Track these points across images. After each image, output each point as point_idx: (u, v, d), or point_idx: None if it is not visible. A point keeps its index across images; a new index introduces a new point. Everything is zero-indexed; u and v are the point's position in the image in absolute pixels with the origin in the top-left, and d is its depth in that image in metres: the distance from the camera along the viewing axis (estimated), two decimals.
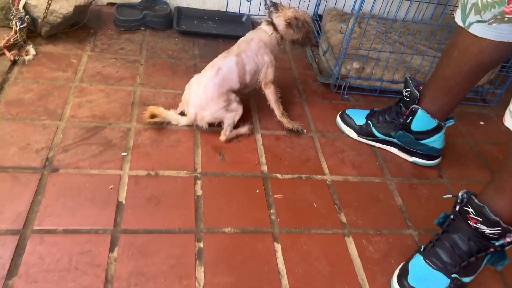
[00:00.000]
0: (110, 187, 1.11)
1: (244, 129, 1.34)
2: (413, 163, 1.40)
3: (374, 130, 1.40)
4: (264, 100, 1.39)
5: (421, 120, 1.30)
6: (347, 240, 1.12)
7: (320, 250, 1.08)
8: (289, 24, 1.32)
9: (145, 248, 0.99)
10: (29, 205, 1.03)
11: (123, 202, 1.08)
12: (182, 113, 1.33)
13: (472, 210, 0.98)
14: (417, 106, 1.28)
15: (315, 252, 1.07)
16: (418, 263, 1.02)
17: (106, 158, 1.18)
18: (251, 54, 1.31)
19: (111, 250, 0.98)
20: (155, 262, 0.97)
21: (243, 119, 1.34)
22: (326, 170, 1.31)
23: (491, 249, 1.00)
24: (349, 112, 1.46)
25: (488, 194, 1.00)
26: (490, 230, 0.97)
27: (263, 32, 1.34)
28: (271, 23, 1.34)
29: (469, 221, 0.99)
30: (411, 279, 0.99)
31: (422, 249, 1.05)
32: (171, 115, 1.30)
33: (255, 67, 1.32)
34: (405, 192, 1.29)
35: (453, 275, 0.99)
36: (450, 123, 1.33)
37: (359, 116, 1.44)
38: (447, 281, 0.99)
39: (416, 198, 1.28)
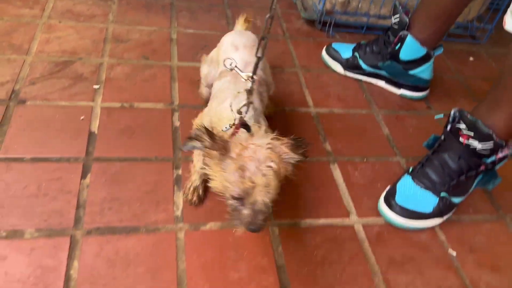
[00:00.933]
0: (81, 118, 1.04)
1: None
2: (400, 96, 1.35)
3: (361, 62, 1.34)
4: None
5: (410, 48, 1.24)
6: (331, 167, 1.08)
7: (303, 176, 1.03)
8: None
9: (120, 176, 0.94)
10: None
11: (95, 132, 1.02)
12: None
13: (464, 126, 0.94)
14: (406, 32, 1.22)
15: (299, 182, 1.02)
16: (406, 183, 0.99)
17: (76, 91, 1.11)
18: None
19: (83, 177, 0.92)
20: (130, 188, 0.92)
21: None
22: (311, 103, 1.25)
23: (482, 167, 0.96)
24: (335, 45, 1.40)
25: (482, 110, 0.95)
26: (482, 146, 0.93)
27: None
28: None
29: (460, 138, 0.95)
30: (398, 198, 0.96)
31: (410, 170, 1.01)
32: None
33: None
34: (392, 123, 1.25)
35: (442, 194, 0.96)
36: (439, 51, 1.28)
37: (346, 50, 1.38)
38: (435, 199, 0.96)
39: (403, 129, 1.24)
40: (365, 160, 1.11)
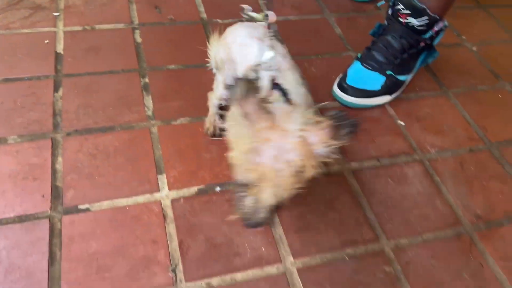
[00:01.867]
0: (46, 42, 1.09)
1: None
2: (352, 0, 1.42)
3: None
4: None
5: None
6: None
7: None
8: None
9: (90, 87, 1.00)
10: None
11: (62, 53, 1.07)
12: None
13: (402, 6, 1.02)
14: None
15: None
16: (355, 68, 1.08)
17: (37, 19, 1.14)
18: None
19: (56, 90, 0.98)
20: (102, 96, 0.98)
21: None
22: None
23: (422, 43, 1.06)
24: None
25: None
26: (419, 22, 1.02)
27: None
28: None
29: (400, 19, 1.04)
30: (349, 80, 1.05)
31: (359, 56, 1.10)
32: None
33: None
34: (344, 23, 1.33)
35: (387, 72, 1.06)
36: None
37: None
38: (382, 78, 1.06)
39: (354, 28, 1.32)
40: (320, 57, 1.19)
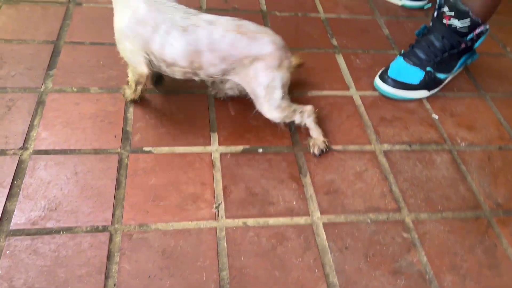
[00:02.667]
0: None
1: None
2: (402, 6, 1.51)
3: None
4: None
5: None
6: (336, 56, 1.27)
7: (312, 62, 1.22)
8: None
9: None
10: (60, 24, 1.19)
11: None
12: None
13: (447, 9, 1.11)
14: None
15: (307, 64, 1.21)
16: (398, 62, 1.17)
17: None
18: None
19: None
20: None
21: None
22: (321, 10, 1.43)
23: (463, 45, 1.13)
24: None
25: None
26: (461, 23, 1.10)
27: None
28: None
29: (444, 20, 1.12)
30: (390, 73, 1.14)
31: (402, 52, 1.19)
32: None
33: None
34: (393, 25, 1.42)
35: (427, 68, 1.14)
36: None
37: None
38: (422, 73, 1.14)
39: (402, 30, 1.41)
40: (366, 52, 1.29)
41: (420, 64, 1.14)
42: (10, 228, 0.78)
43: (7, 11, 1.21)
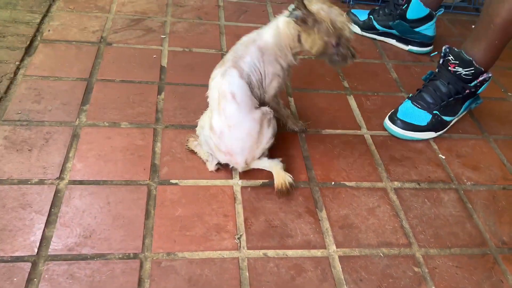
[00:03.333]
0: (154, 56, 1.36)
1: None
2: (409, 50, 1.61)
3: (375, 23, 1.61)
4: None
5: (415, 8, 1.51)
6: (348, 98, 1.35)
7: (325, 103, 1.31)
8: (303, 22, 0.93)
9: (186, 94, 1.24)
10: (91, 64, 1.29)
11: (165, 66, 1.33)
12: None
13: (452, 57, 1.20)
14: None
15: (320, 104, 1.30)
16: (406, 105, 1.25)
17: (148, 39, 1.43)
18: (252, 60, 0.99)
19: (159, 93, 1.23)
20: (194, 102, 1.22)
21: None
22: None
23: (467, 91, 1.22)
24: (354, 11, 1.68)
25: (466, 44, 1.21)
26: (465, 71, 1.19)
27: (273, 32, 0.99)
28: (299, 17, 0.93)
29: (449, 67, 1.21)
30: (399, 115, 1.22)
31: (410, 96, 1.27)
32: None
33: (259, 76, 1.01)
34: (400, 70, 1.51)
35: (434, 112, 1.22)
36: (440, 12, 1.53)
37: (363, 14, 1.65)
38: (429, 116, 1.22)
39: (409, 74, 1.50)
40: (375, 94, 1.38)
41: (427, 107, 1.22)
42: (49, 253, 0.84)
43: (44, 50, 1.31)
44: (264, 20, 1.63)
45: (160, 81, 1.28)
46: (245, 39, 1.03)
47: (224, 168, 1.05)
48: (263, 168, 1.05)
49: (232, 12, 1.65)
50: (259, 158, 1.03)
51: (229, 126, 0.97)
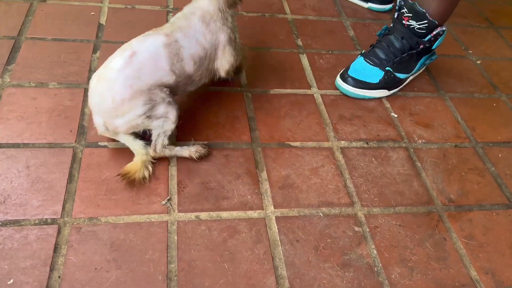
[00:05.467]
0: (91, 14, 1.26)
1: (187, 151, 0.93)
2: (368, 8, 1.53)
3: None
4: None
5: None
6: (301, 56, 1.28)
7: (276, 61, 1.24)
8: None
9: None
10: (21, 22, 1.19)
11: (104, 24, 1.24)
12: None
13: (405, 10, 1.13)
14: None
15: (271, 63, 1.23)
16: (358, 62, 1.19)
17: None
18: (194, 33, 0.93)
19: (94, 52, 1.14)
20: None
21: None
22: (288, 11, 1.45)
23: (421, 46, 1.16)
24: None
25: None
26: (419, 25, 1.12)
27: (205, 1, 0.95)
28: None
29: (403, 21, 1.15)
30: (351, 72, 1.16)
31: (363, 52, 1.21)
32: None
33: (202, 51, 0.94)
34: (358, 28, 1.44)
35: (387, 68, 1.16)
36: None
37: None
38: (381, 73, 1.16)
39: (367, 32, 1.43)
40: (330, 52, 1.31)
41: (379, 64, 1.16)
42: None
43: None
44: None
45: (97, 39, 1.18)
46: (185, 10, 0.97)
47: None
48: (130, 148, 0.91)
49: None
50: (130, 134, 0.90)
51: (100, 78, 0.88)
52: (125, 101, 0.85)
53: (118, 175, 0.87)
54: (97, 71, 0.90)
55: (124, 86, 0.85)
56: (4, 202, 0.81)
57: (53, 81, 1.04)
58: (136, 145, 0.90)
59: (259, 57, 1.25)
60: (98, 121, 0.89)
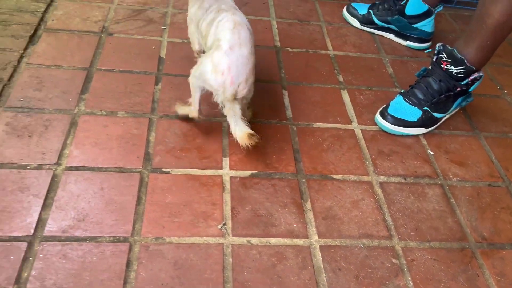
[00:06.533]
0: (153, 47, 1.39)
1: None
2: (407, 46, 1.62)
3: (374, 18, 1.62)
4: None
5: (414, 4, 1.51)
6: (342, 92, 1.38)
7: (319, 96, 1.34)
8: None
9: (181, 86, 1.28)
10: (92, 54, 1.33)
11: (164, 57, 1.37)
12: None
13: (444, 55, 1.21)
14: None
15: (314, 97, 1.33)
16: (397, 101, 1.27)
17: (149, 29, 1.47)
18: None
19: (156, 84, 1.27)
20: (190, 93, 1.25)
21: None
22: (330, 48, 1.55)
23: (458, 89, 1.23)
24: (354, 4, 1.69)
25: (459, 42, 1.22)
26: (457, 70, 1.20)
27: None
28: None
29: (441, 65, 1.23)
30: (390, 110, 1.25)
31: (402, 91, 1.29)
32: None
33: None
34: (397, 65, 1.53)
35: (425, 108, 1.24)
36: (439, 9, 1.54)
37: (363, 8, 1.66)
38: (419, 112, 1.24)
39: (405, 70, 1.51)
40: (369, 89, 1.40)
41: (418, 103, 1.24)
42: (44, 234, 0.89)
43: (47, 39, 1.36)
44: (264, 12, 1.66)
45: (158, 71, 1.31)
46: None
47: (215, 160, 1.09)
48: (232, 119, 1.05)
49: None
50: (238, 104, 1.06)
51: (241, 44, 1.05)
52: (253, 68, 1.08)
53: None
54: (221, 43, 1.04)
55: (253, 53, 1.08)
56: (83, 220, 0.92)
57: (121, 110, 1.17)
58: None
59: (303, 92, 1.35)
60: (235, 79, 1.04)
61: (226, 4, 1.14)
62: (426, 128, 1.26)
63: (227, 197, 1.02)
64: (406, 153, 1.21)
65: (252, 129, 1.07)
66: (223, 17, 1.09)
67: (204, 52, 1.16)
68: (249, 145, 1.03)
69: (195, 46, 1.24)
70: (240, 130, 1.04)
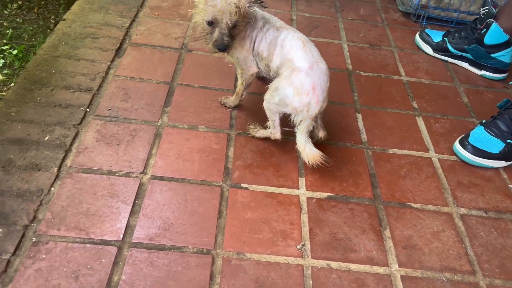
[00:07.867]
0: (229, 66, 1.44)
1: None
2: (481, 76, 1.58)
3: (449, 45, 1.59)
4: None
5: (494, 33, 1.48)
6: (417, 118, 1.36)
7: (394, 122, 1.33)
8: None
9: (258, 103, 1.29)
10: (173, 69, 1.39)
11: None
12: None
13: None
14: (492, 20, 1.46)
15: (389, 122, 1.32)
16: (478, 131, 1.24)
17: None
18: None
19: None
20: (263, 112, 1.28)
21: None
22: (403, 73, 1.54)
23: None
24: (428, 31, 1.67)
25: None
26: None
27: None
28: None
29: None
30: (471, 139, 1.21)
31: (483, 122, 1.26)
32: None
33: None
34: (472, 94, 1.49)
35: (508, 140, 1.20)
36: None
37: (437, 35, 1.64)
38: (502, 144, 1.20)
39: (481, 100, 1.47)
40: (445, 117, 1.37)
41: (501, 135, 1.21)
42: (132, 240, 0.92)
43: (131, 52, 1.43)
44: (335, 35, 1.68)
45: (235, 89, 1.35)
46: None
47: (291, 179, 1.10)
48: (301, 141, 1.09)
49: (304, 26, 1.71)
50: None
51: (317, 62, 1.09)
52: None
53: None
54: (296, 65, 1.07)
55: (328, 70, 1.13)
56: (168, 229, 0.95)
57: (201, 125, 1.21)
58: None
59: (377, 116, 1.34)
60: (321, 96, 1.08)
61: (277, 21, 1.15)
62: (507, 161, 1.22)
63: (304, 217, 1.02)
64: (486, 186, 1.17)
65: (326, 150, 1.09)
66: (285, 35, 1.11)
67: (263, 74, 1.19)
68: (319, 165, 1.07)
69: (253, 69, 1.18)
70: (311, 150, 1.08)
